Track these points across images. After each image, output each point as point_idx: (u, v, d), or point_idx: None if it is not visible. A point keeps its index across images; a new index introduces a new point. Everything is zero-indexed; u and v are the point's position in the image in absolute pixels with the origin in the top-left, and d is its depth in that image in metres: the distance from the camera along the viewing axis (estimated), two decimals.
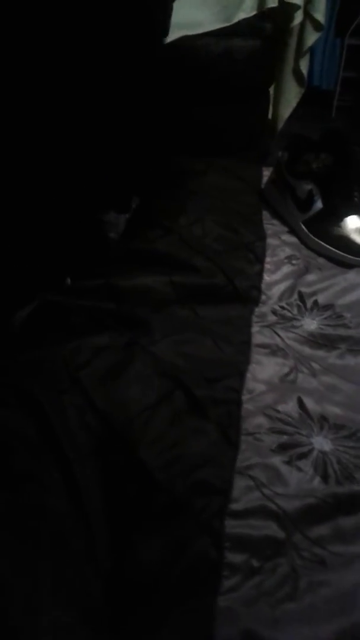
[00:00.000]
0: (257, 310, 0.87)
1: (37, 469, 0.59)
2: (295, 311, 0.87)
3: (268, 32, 1.88)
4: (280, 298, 0.90)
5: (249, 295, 0.90)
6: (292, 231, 1.07)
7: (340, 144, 1.07)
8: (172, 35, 1.75)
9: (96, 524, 0.57)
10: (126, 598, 0.53)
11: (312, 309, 0.87)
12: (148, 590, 0.52)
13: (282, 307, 0.87)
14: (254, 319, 0.85)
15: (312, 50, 2.33)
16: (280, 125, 2.20)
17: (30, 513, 0.55)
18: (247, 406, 0.67)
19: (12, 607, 0.46)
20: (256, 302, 0.89)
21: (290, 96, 2.17)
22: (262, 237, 1.03)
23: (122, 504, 0.58)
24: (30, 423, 0.63)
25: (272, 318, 0.86)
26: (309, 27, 2.00)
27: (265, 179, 1.20)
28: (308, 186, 1.04)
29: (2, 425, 0.61)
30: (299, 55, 2.08)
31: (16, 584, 0.48)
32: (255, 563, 0.52)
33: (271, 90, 2.10)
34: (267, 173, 1.21)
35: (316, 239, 1.01)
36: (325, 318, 0.85)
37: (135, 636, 0.49)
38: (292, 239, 1.05)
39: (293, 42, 2.04)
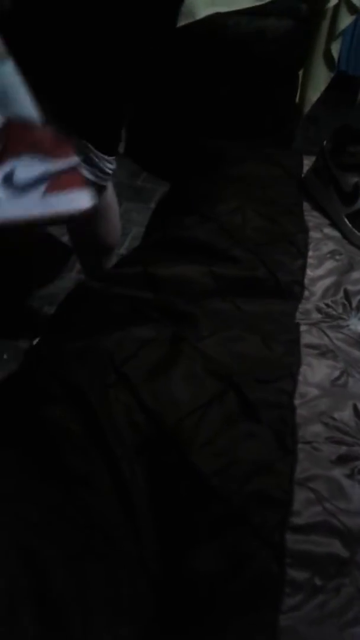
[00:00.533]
0: (300, 307, 0.84)
1: (88, 469, 0.56)
2: (340, 310, 0.84)
3: (303, 12, 1.82)
4: (324, 295, 0.87)
5: (291, 290, 0.87)
6: (335, 225, 1.03)
7: None
8: (205, 12, 1.69)
9: (145, 529, 0.55)
10: (179, 608, 0.51)
11: (358, 308, 0.84)
12: (205, 602, 0.50)
13: (327, 305, 0.84)
14: (298, 316, 0.82)
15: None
16: (307, 108, 2.15)
17: (82, 518, 0.52)
18: (301, 412, 0.64)
19: (71, 627, 0.43)
20: (299, 298, 0.86)
21: (319, 80, 2.11)
22: (304, 229, 0.99)
23: (174, 509, 0.56)
24: (78, 419, 0.60)
25: (317, 316, 0.83)
26: (343, 9, 1.94)
27: (306, 168, 1.16)
28: (354, 179, 1.00)
29: (52, 422, 0.59)
30: (331, 38, 2.02)
31: (72, 600, 0.46)
32: (318, 581, 0.50)
33: (300, 73, 2.05)
34: (307, 162, 1.17)
35: None
36: None
37: None
38: (335, 233, 1.02)
39: (326, 25, 1.98)
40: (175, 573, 0.53)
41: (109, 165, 1.24)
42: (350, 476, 0.58)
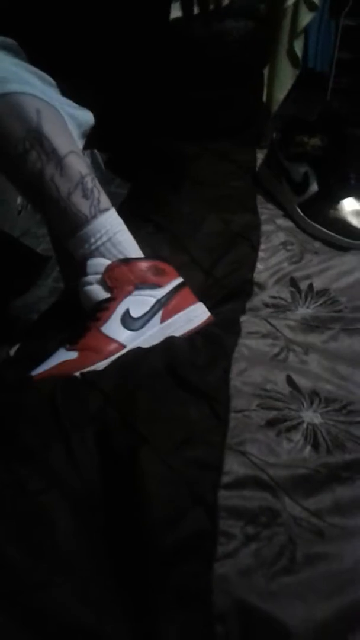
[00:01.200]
0: (249, 304, 0.85)
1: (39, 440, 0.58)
2: (289, 299, 0.85)
3: (262, 12, 1.85)
4: (273, 286, 0.88)
5: (242, 290, 0.88)
6: (288, 215, 1.05)
7: (336, 126, 1.05)
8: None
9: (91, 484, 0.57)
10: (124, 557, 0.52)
11: (306, 295, 0.85)
12: (146, 553, 0.51)
13: (274, 297, 0.86)
14: (248, 312, 0.83)
15: (306, 31, 2.29)
16: (275, 107, 2.17)
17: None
18: (235, 383, 0.67)
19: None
20: (248, 295, 0.87)
21: (285, 78, 2.14)
22: (256, 224, 1.01)
23: (120, 470, 0.58)
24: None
25: (265, 310, 0.84)
26: (303, 8, 1.97)
27: (259, 162, 1.18)
28: (303, 168, 1.02)
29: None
30: (293, 36, 2.05)
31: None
32: (251, 530, 0.52)
33: (265, 72, 2.07)
34: (261, 156, 1.19)
35: (312, 222, 1.00)
36: (320, 305, 0.83)
37: (135, 596, 0.49)
38: (288, 224, 1.04)
39: (287, 23, 2.01)
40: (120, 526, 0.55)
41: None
42: (278, 434, 0.60)
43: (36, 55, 0.83)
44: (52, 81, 0.83)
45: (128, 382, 0.66)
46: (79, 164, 0.77)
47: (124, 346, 0.73)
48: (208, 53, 1.79)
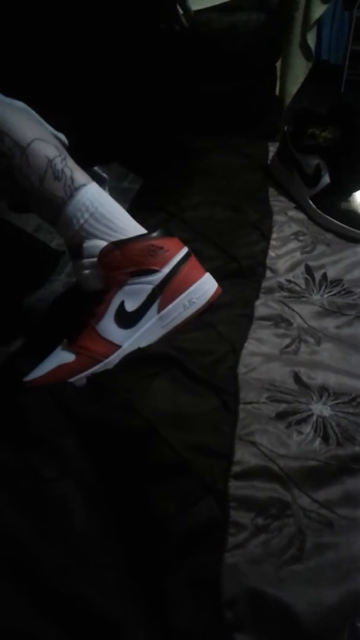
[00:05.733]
0: (264, 285, 0.85)
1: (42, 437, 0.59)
2: (303, 285, 0.86)
3: (274, 5, 1.84)
4: (287, 272, 0.88)
5: (254, 271, 0.88)
6: (300, 207, 1.05)
7: (348, 118, 1.04)
8: None
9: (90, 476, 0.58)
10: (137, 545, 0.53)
11: (320, 284, 0.85)
12: (158, 541, 0.52)
13: (289, 281, 0.86)
14: (262, 291, 0.84)
15: (319, 23, 2.28)
16: (288, 100, 2.16)
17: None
18: (244, 378, 0.67)
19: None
20: (262, 277, 0.87)
21: (298, 71, 2.13)
22: (268, 214, 1.01)
23: (128, 457, 0.58)
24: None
25: (280, 292, 0.84)
26: (315, 0, 1.96)
27: (271, 155, 1.18)
28: (315, 161, 1.02)
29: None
30: (305, 28, 2.04)
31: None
32: (261, 521, 0.53)
33: (278, 65, 2.07)
34: (273, 149, 1.18)
35: (324, 214, 1.00)
36: (334, 294, 0.83)
37: (146, 582, 0.50)
38: (300, 215, 1.03)
39: (300, 15, 2.00)
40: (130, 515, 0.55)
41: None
42: (288, 427, 0.61)
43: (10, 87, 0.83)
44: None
45: (136, 375, 0.66)
46: (45, 149, 0.74)
47: (119, 346, 0.73)
48: (220, 47, 1.79)
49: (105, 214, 0.75)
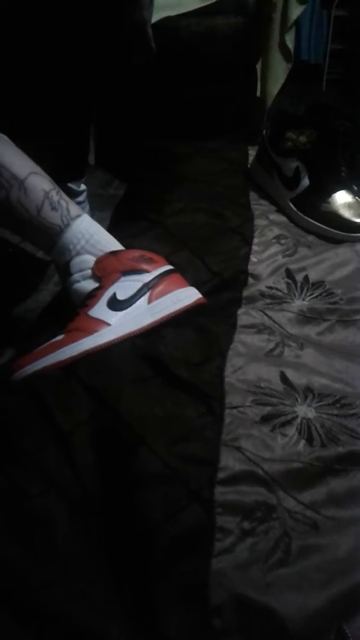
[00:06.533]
0: (245, 292, 0.86)
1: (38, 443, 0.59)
2: (285, 290, 0.86)
3: (251, 8, 1.85)
4: (269, 277, 0.89)
5: (236, 280, 0.89)
6: (280, 210, 1.06)
7: (325, 119, 1.05)
8: (155, 17, 1.72)
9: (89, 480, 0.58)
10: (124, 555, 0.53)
11: (302, 287, 0.86)
12: (145, 550, 0.52)
13: (270, 288, 0.86)
14: (243, 301, 0.84)
15: (298, 24, 2.29)
16: (270, 102, 2.17)
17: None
18: (230, 380, 0.67)
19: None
20: (243, 285, 0.88)
21: (278, 72, 2.13)
22: (249, 219, 1.02)
23: (117, 466, 0.59)
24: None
25: (262, 300, 0.85)
26: (293, 1, 1.97)
27: (251, 159, 1.18)
28: (294, 163, 1.03)
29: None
30: (284, 29, 2.04)
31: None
32: (247, 525, 0.53)
33: (258, 67, 2.07)
34: (253, 152, 1.19)
35: (305, 217, 1.00)
36: (316, 297, 0.84)
37: (135, 593, 0.50)
38: (281, 219, 1.04)
39: (278, 17, 2.01)
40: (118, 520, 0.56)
41: (79, 189, 1.29)
42: (272, 430, 0.61)
43: None
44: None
45: (121, 381, 0.67)
46: (41, 182, 0.81)
47: (109, 324, 0.74)
48: (200, 50, 1.80)
49: (101, 240, 0.81)
